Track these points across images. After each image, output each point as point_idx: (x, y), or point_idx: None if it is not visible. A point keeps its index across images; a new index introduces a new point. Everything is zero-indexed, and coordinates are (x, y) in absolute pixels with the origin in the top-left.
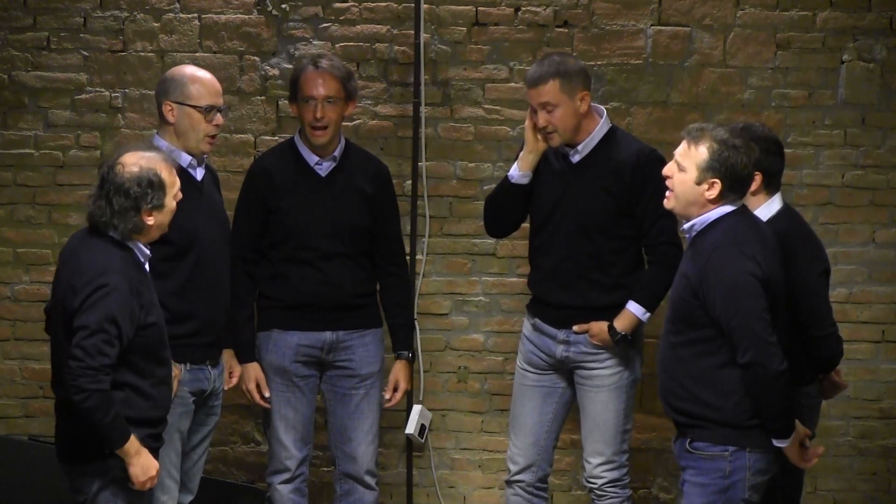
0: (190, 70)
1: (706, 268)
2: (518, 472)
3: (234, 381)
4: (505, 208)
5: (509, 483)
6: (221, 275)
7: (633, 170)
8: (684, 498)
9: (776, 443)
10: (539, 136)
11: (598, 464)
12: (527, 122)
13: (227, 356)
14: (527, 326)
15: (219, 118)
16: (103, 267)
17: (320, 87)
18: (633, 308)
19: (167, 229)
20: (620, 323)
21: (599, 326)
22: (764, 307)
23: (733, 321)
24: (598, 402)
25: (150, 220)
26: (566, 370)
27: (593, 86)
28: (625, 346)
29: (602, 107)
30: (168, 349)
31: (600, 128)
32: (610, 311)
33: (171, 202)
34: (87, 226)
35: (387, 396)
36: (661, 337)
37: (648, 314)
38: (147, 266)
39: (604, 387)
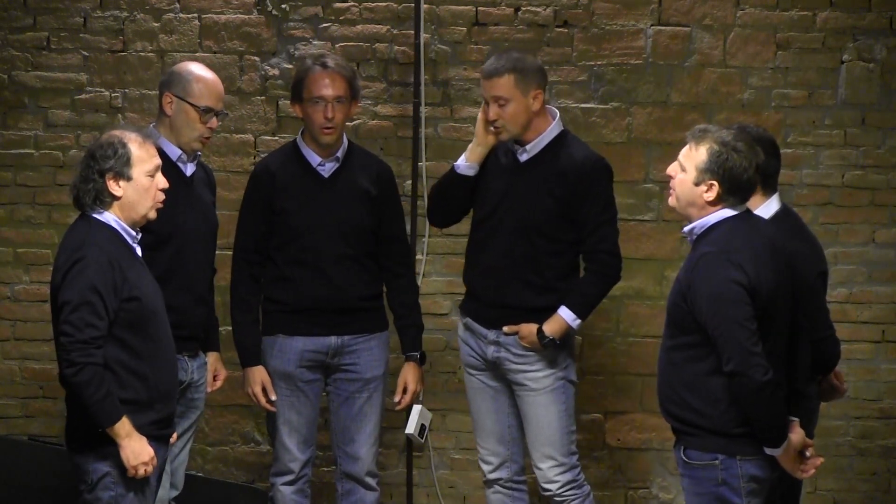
0: (197, 68)
1: (693, 274)
2: (493, 471)
3: (219, 384)
4: (448, 198)
5: (488, 483)
6: (203, 271)
7: (579, 176)
8: None
9: (767, 451)
10: (489, 130)
11: (550, 468)
12: (479, 115)
13: (213, 359)
14: (460, 328)
15: (214, 121)
16: (80, 241)
17: (330, 88)
18: (564, 314)
19: (152, 213)
20: (549, 327)
21: (529, 328)
22: (748, 316)
23: (717, 329)
24: (537, 406)
25: (118, 190)
26: (500, 373)
27: (593, 86)
28: (553, 350)
29: (556, 109)
30: (163, 330)
31: (551, 129)
32: (541, 313)
33: (142, 178)
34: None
35: (396, 399)
36: (661, 341)
37: (579, 321)
38: (138, 250)
39: (539, 390)
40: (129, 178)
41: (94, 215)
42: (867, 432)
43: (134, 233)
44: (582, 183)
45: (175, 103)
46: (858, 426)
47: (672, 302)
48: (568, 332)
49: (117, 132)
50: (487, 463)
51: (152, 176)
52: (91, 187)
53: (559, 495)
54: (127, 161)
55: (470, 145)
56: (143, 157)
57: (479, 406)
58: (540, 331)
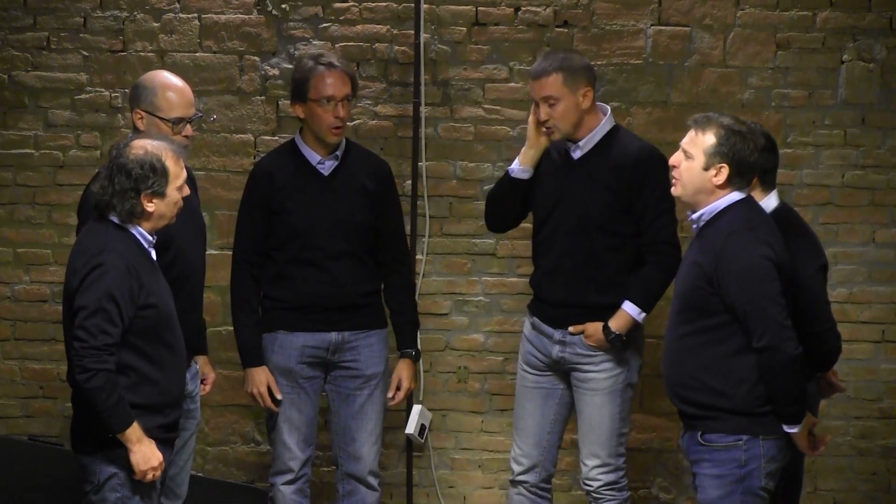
0: (162, 78)
1: (720, 253)
2: (522, 473)
3: (208, 388)
4: (504, 203)
5: (514, 483)
6: (197, 276)
7: (634, 167)
8: (699, 492)
9: (787, 429)
10: (541, 132)
11: (594, 466)
12: (530, 117)
13: (202, 363)
14: (527, 326)
15: (188, 129)
16: (100, 247)
17: (340, 87)
18: (629, 308)
19: (173, 221)
20: (615, 323)
21: (595, 327)
22: (779, 291)
23: (749, 306)
24: (593, 406)
25: (151, 207)
26: (563, 371)
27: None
28: (620, 348)
29: (607, 105)
30: (176, 336)
31: (603, 125)
32: (607, 310)
33: (173, 193)
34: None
35: (389, 395)
36: (666, 330)
37: (644, 314)
38: (153, 254)
39: (598, 390)
40: (163, 196)
41: (113, 218)
42: (867, 432)
43: (151, 237)
44: (638, 174)
45: (146, 118)
46: (858, 426)
47: (689, 287)
48: (634, 327)
49: (152, 147)
50: (518, 463)
51: (181, 189)
52: (128, 206)
53: (598, 492)
54: (165, 181)
55: (523, 148)
56: (177, 173)
57: (524, 405)
58: (606, 327)
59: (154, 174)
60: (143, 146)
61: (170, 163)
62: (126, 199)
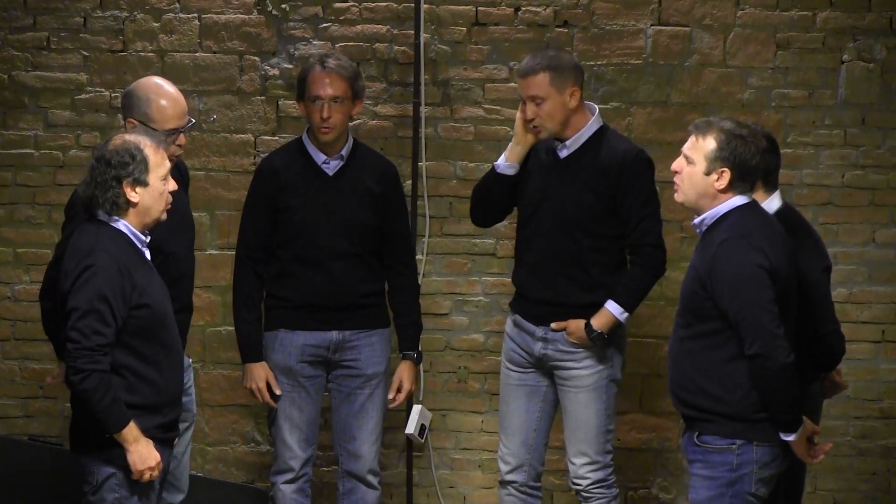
0: (155, 88)
1: (713, 260)
2: (509, 472)
3: None
4: (488, 198)
5: (503, 483)
6: (188, 277)
7: (619, 170)
8: (691, 491)
9: (783, 436)
10: (528, 129)
11: (582, 464)
12: (518, 114)
13: None
14: (509, 324)
15: (181, 139)
16: (90, 248)
17: (328, 88)
18: (612, 307)
19: (164, 216)
20: (598, 321)
21: (577, 324)
22: (771, 299)
23: (740, 313)
24: (578, 403)
25: (134, 197)
26: (546, 369)
27: (593, 86)
28: (602, 346)
29: (595, 105)
30: (172, 335)
31: (590, 125)
32: (589, 309)
33: (157, 183)
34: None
35: (390, 396)
36: (672, 330)
37: (626, 314)
38: (147, 253)
39: (583, 387)
40: (145, 185)
41: (101, 215)
42: (867, 432)
43: (143, 237)
44: (623, 177)
45: (140, 128)
46: (858, 426)
47: (688, 290)
48: (616, 326)
49: (130, 137)
50: (506, 462)
51: (165, 179)
52: (110, 195)
53: (587, 491)
54: (145, 167)
55: (510, 144)
56: (158, 162)
57: (509, 404)
58: (588, 325)
59: (133, 160)
60: (122, 137)
61: (149, 151)
62: (108, 189)
